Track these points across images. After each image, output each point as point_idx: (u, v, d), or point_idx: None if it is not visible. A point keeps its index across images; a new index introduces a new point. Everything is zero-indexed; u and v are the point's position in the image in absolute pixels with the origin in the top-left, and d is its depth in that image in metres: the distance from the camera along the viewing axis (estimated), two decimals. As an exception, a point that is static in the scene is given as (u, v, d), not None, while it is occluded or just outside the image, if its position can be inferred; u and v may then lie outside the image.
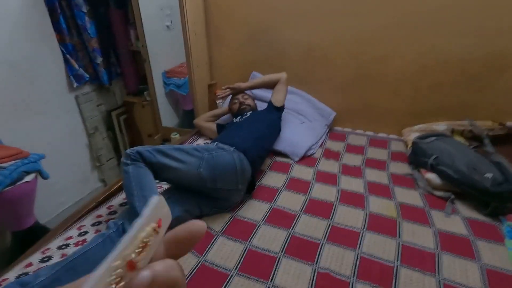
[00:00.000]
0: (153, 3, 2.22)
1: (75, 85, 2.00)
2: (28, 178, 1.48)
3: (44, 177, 1.60)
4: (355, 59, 1.83)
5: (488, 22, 1.52)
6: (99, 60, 2.10)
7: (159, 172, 1.16)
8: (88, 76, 2.06)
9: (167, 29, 2.45)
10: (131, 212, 1.04)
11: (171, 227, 0.90)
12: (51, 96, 1.90)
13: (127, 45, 2.29)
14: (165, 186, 1.35)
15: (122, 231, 1.01)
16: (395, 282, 0.94)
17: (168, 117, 2.68)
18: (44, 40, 1.81)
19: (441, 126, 1.69)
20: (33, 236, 1.44)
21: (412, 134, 1.72)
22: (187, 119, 2.60)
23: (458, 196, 1.32)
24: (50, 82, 1.89)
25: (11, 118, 1.72)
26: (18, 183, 1.43)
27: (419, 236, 1.13)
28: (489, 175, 1.29)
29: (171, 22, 2.42)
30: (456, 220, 1.21)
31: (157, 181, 1.28)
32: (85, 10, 1.94)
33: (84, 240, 1.08)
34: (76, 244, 1.06)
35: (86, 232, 1.12)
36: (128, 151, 1.14)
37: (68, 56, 1.94)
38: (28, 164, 1.51)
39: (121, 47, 2.28)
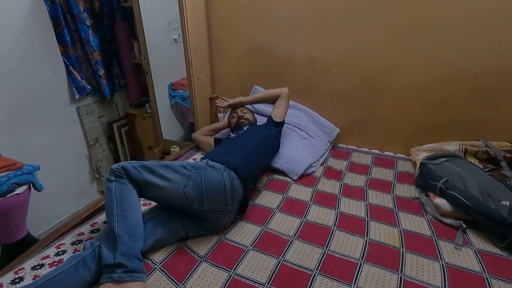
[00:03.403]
0: (161, 17, 2.24)
1: (77, 96, 2.01)
2: (20, 190, 1.46)
3: (38, 189, 1.57)
4: (359, 73, 1.75)
5: (501, 35, 1.42)
6: (101, 72, 2.11)
7: (144, 190, 1.10)
8: (90, 88, 2.07)
9: (174, 42, 2.46)
10: (109, 233, 0.98)
11: (153, 249, 0.83)
12: (52, 107, 1.92)
13: (130, 58, 2.31)
14: (153, 203, 1.29)
15: (97, 254, 0.95)
16: (394, 325, 0.83)
17: (173, 129, 2.66)
18: (48, 52, 1.84)
19: (452, 146, 1.56)
20: (24, 249, 1.40)
21: (420, 154, 1.60)
22: (192, 132, 2.58)
23: (471, 225, 1.19)
24: (52, 93, 1.90)
25: (11, 128, 1.73)
26: (8, 195, 1.41)
27: (424, 270, 1.01)
28: (506, 202, 1.16)
29: (179, 35, 2.44)
30: (467, 253, 1.08)
31: (142, 199, 1.23)
32: (89, 24, 1.97)
33: (60, 260, 1.02)
34: (51, 265, 1.01)
35: (64, 252, 1.07)
36: (114, 166, 1.09)
37: (71, 68, 1.96)
38: (21, 176, 1.49)
39: (124, 59, 2.29)
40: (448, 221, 1.23)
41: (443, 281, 0.96)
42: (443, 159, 1.44)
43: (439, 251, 1.09)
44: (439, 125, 1.67)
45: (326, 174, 1.62)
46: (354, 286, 0.94)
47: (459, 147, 1.55)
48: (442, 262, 1.04)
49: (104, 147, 2.32)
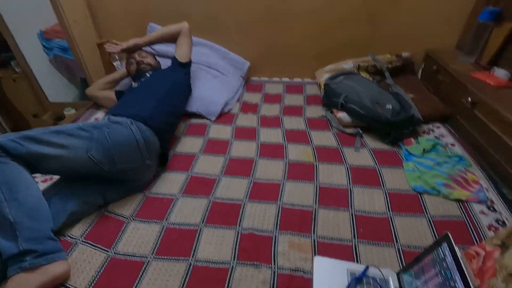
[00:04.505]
0: None
1: None
2: None
3: None
4: (260, -1, 1.68)
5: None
6: None
7: (35, 164, 0.92)
8: None
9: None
10: (2, 222, 0.82)
11: (68, 224, 0.69)
12: None
13: (-36, -1, 1.68)
14: (56, 178, 1.12)
15: (-6, 248, 0.80)
16: (314, 224, 0.98)
17: (61, 89, 2.21)
18: None
19: (348, 64, 1.72)
20: None
21: (324, 76, 1.73)
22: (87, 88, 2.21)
23: (365, 130, 1.41)
24: None
25: None
26: None
27: (333, 175, 1.18)
28: (389, 106, 1.39)
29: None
30: (364, 153, 1.30)
31: (39, 174, 1.04)
32: None
33: None
34: None
35: None
36: (-15, 144, 0.86)
37: None
38: None
39: (-45, 2, 1.66)
40: (349, 130, 1.42)
41: (348, 180, 1.15)
42: (342, 77, 1.59)
43: (343, 156, 1.28)
44: (336, 45, 1.79)
45: (243, 109, 1.64)
46: (280, 203, 1.05)
47: (354, 64, 1.72)
48: (346, 165, 1.23)
49: (-32, 125, 1.81)
